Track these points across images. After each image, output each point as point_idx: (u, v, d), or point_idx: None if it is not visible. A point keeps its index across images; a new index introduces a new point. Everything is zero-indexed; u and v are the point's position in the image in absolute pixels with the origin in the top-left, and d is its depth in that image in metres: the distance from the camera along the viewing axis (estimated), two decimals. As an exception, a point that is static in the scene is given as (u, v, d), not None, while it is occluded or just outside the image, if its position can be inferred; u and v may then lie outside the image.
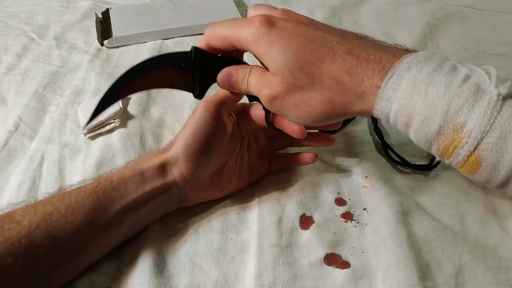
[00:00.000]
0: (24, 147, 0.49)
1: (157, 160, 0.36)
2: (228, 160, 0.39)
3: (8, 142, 0.49)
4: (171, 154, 0.36)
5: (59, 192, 0.35)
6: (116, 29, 0.65)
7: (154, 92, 0.55)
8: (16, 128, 0.51)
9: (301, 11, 0.69)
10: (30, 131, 0.51)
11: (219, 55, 0.33)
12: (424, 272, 0.34)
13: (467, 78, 0.26)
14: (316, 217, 0.39)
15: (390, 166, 0.44)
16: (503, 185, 0.26)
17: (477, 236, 0.37)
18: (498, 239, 0.37)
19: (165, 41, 0.65)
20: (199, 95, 0.34)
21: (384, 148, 0.45)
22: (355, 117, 0.49)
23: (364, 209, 0.39)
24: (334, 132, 0.48)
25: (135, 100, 0.53)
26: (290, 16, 0.32)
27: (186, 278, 0.35)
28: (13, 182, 0.44)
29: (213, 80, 0.34)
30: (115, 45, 0.64)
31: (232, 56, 0.33)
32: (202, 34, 0.66)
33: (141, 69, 0.32)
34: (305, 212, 0.39)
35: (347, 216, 0.39)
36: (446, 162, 0.27)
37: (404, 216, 0.38)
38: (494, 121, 0.24)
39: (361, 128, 0.48)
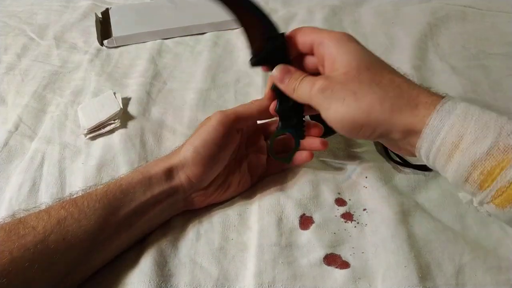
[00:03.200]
0: (24, 147, 0.49)
1: (164, 164, 0.37)
2: (230, 161, 0.40)
3: (8, 143, 0.49)
4: (179, 159, 0.37)
5: (71, 197, 0.35)
6: (116, 29, 0.65)
7: (154, 92, 0.55)
8: (16, 128, 0.51)
9: (301, 11, 0.70)
10: (30, 131, 0.51)
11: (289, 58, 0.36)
12: (424, 272, 0.34)
13: None
14: (316, 217, 0.39)
15: (390, 166, 0.44)
16: None
17: (478, 236, 0.37)
18: (499, 239, 0.37)
19: (165, 41, 0.65)
20: (254, 62, 0.35)
21: (384, 148, 0.45)
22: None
23: (364, 209, 0.39)
24: (334, 132, 0.48)
25: (136, 101, 0.53)
26: None
27: (186, 277, 0.35)
28: (13, 182, 0.44)
29: (272, 63, 0.35)
30: (115, 45, 0.64)
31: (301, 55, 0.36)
32: (202, 34, 0.67)
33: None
34: (305, 212, 0.39)
35: (347, 216, 0.39)
36: (477, 198, 0.28)
37: (404, 216, 0.38)
38: None
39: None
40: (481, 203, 0.28)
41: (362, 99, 0.30)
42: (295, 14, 0.70)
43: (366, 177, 0.42)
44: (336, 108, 0.32)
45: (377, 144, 0.46)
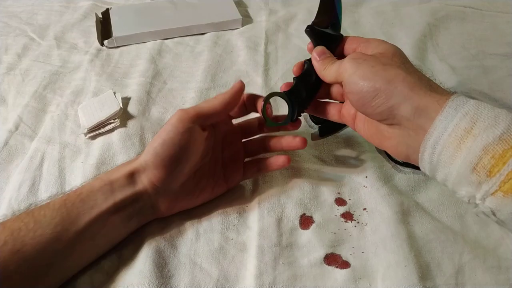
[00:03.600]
0: (24, 147, 0.49)
1: (126, 169, 0.36)
2: (201, 165, 0.38)
3: (8, 142, 0.49)
4: (140, 162, 0.36)
5: (29, 209, 0.34)
6: (116, 29, 0.65)
7: (154, 92, 0.55)
8: (16, 128, 0.51)
9: (301, 11, 0.70)
10: (30, 131, 0.51)
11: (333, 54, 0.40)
12: (424, 272, 0.34)
13: None
14: (316, 217, 0.39)
15: (390, 166, 0.44)
16: None
17: (477, 236, 0.37)
18: (498, 239, 0.37)
19: (165, 41, 0.65)
20: (309, 29, 0.40)
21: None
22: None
23: (364, 209, 0.39)
24: (334, 132, 0.48)
25: (135, 100, 0.53)
26: None
27: (186, 278, 0.35)
28: (13, 182, 0.44)
29: (318, 42, 0.40)
30: (115, 45, 0.64)
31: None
32: (202, 34, 0.67)
33: None
34: (305, 212, 0.39)
35: (347, 216, 0.39)
36: (483, 189, 0.28)
37: (404, 216, 0.38)
38: None
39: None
40: (486, 194, 0.28)
41: (389, 70, 0.33)
42: (295, 14, 0.70)
43: (366, 177, 0.42)
44: (363, 71, 0.34)
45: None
